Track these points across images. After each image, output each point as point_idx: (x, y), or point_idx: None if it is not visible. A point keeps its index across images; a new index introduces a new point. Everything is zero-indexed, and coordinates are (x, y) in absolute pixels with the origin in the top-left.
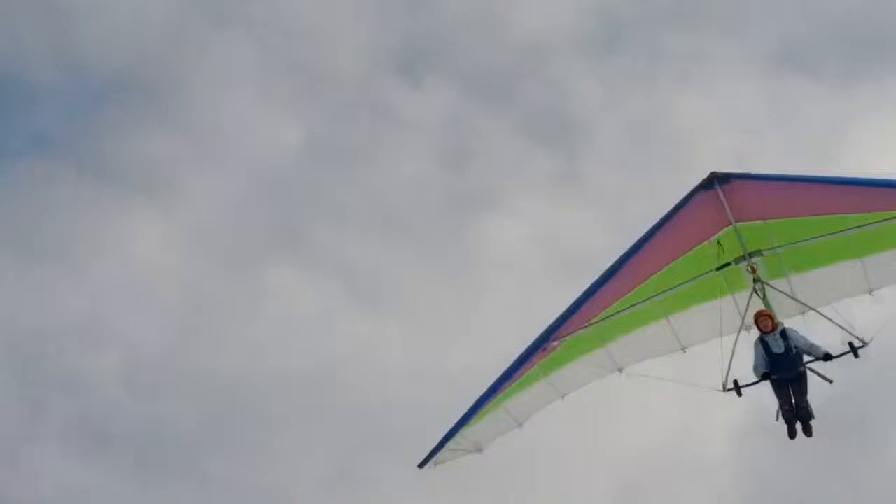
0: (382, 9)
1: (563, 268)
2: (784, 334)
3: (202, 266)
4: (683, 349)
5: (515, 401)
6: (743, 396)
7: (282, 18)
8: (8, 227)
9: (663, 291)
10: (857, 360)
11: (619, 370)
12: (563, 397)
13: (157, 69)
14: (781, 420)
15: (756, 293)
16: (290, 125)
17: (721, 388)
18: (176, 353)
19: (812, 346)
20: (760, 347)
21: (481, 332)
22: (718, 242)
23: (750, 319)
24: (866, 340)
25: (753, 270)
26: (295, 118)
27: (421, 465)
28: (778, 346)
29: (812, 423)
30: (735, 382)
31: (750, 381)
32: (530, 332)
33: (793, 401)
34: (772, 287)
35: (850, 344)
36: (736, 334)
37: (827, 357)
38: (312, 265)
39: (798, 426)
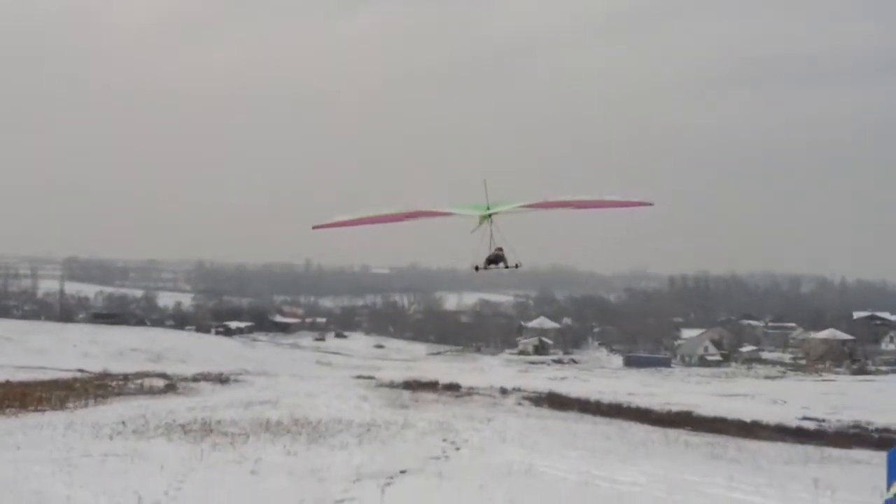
0: None
1: None
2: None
3: None
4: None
5: None
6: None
7: None
8: None
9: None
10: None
11: None
12: None
13: None
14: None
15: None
16: None
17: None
18: None
19: (506, 258)
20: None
21: None
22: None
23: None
24: (521, 264)
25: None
26: None
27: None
28: (495, 258)
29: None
30: (477, 267)
31: (482, 268)
32: None
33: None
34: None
35: (516, 264)
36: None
37: (506, 266)
38: None
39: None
